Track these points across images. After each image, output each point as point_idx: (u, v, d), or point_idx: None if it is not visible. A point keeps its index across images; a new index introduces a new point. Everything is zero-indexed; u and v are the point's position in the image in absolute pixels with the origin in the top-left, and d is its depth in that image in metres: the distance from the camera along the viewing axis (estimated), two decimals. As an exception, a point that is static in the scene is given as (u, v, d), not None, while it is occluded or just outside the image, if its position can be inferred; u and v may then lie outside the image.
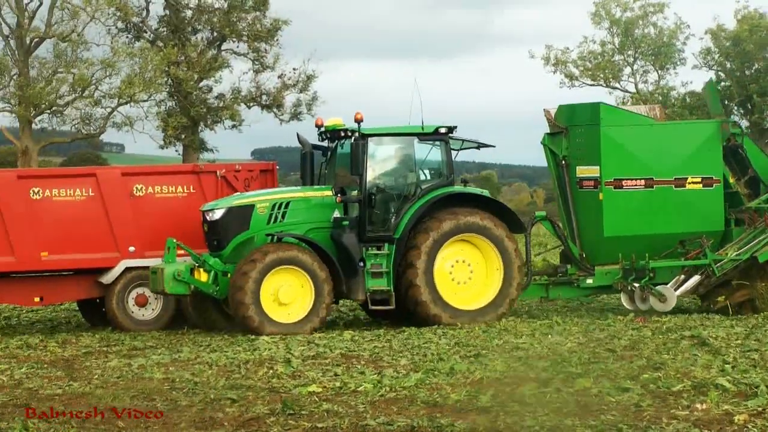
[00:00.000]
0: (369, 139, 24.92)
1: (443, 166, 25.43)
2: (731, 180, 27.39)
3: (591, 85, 73.83)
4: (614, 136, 26.85)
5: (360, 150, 24.42)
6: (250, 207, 24.77)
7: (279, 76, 62.27)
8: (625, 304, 26.34)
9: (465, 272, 25.06)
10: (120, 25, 60.84)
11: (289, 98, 62.19)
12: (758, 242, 26.29)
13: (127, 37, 61.37)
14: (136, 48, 60.25)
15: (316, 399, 15.65)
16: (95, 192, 25.83)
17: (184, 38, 60.39)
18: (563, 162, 27.35)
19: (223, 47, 61.88)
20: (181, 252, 24.39)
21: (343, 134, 25.16)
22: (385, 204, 25.14)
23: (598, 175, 26.51)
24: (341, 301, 26.73)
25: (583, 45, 73.74)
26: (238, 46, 62.36)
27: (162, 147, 61.52)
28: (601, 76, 73.35)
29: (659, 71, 73.88)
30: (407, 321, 24.78)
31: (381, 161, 25.51)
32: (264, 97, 62.14)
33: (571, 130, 27.41)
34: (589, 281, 26.58)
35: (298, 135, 26.42)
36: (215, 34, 61.18)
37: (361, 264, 24.54)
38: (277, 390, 16.54)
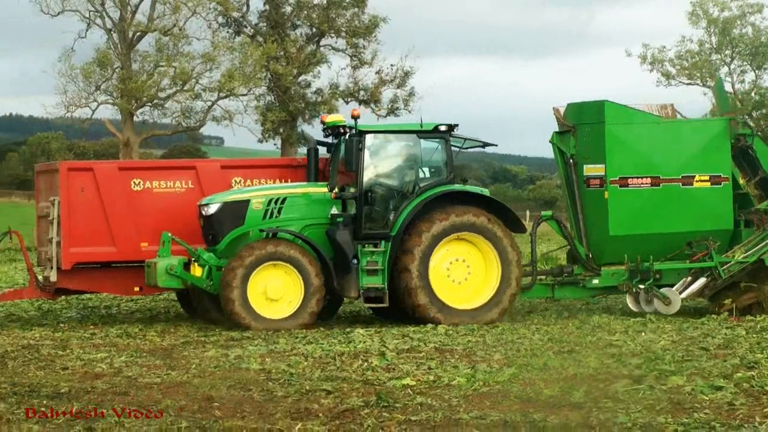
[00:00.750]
0: (367, 135, 24.65)
1: (443, 165, 25.07)
2: (741, 181, 26.84)
3: (687, 84, 73.33)
4: (619, 134, 26.42)
5: (355, 146, 24.20)
6: (246, 202, 24.68)
7: (376, 72, 62.47)
8: (630, 305, 25.90)
9: (463, 271, 24.69)
10: (221, 19, 61.29)
11: (386, 94, 62.35)
12: (766, 245, 25.88)
13: (227, 31, 61.83)
14: (237, 43, 60.64)
15: (410, 392, 15.66)
16: (195, 184, 26.01)
17: (284, 34, 60.65)
18: (571, 161, 26.89)
19: (321, 43, 62.12)
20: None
21: (342, 131, 24.88)
22: (382, 201, 24.81)
23: (604, 173, 26.08)
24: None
25: (680, 44, 73.28)
26: (336, 42, 62.62)
27: (260, 141, 61.86)
28: (698, 75, 72.80)
29: (756, 71, 73.24)
30: (407, 320, 24.51)
31: (379, 158, 25.12)
32: (361, 93, 62.32)
33: (579, 129, 26.97)
34: (596, 282, 26.14)
35: (303, 132, 26.45)
36: (314, 30, 61.41)
37: (355, 261, 24.25)
38: (371, 382, 16.56)
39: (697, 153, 26.50)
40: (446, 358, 19.15)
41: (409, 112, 61.22)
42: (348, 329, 23.48)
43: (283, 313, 23.77)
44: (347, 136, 24.44)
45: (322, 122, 26.05)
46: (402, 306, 24.58)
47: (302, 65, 60.49)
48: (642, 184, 26.11)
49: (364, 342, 21.37)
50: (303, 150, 59.95)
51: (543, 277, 26.80)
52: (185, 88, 60.08)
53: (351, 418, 13.89)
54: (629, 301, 25.90)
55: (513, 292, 24.71)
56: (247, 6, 62.07)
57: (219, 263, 24.04)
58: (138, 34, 59.99)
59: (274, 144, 61.90)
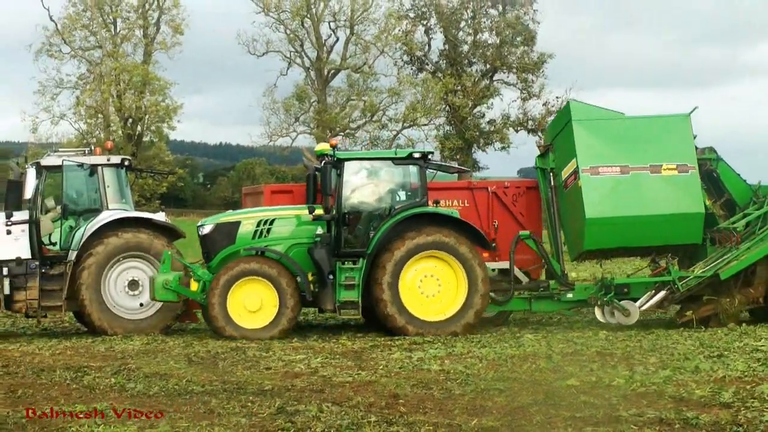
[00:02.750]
0: (345, 162, 24.18)
1: (417, 189, 24.42)
2: (708, 202, 25.74)
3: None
4: (586, 128, 25.49)
5: (329, 172, 23.66)
6: (237, 223, 24.47)
7: (543, 104, 62.12)
8: (598, 317, 25.03)
9: (434, 286, 23.98)
10: (405, 58, 61.57)
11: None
12: (722, 260, 24.90)
13: (411, 68, 62.07)
14: (419, 78, 60.87)
15: (574, 391, 15.55)
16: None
17: (461, 70, 60.70)
18: (551, 173, 26.09)
19: (494, 78, 62.00)
20: None
21: (325, 158, 24.32)
22: (359, 222, 24.28)
23: (576, 166, 25.08)
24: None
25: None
26: (508, 77, 62.44)
27: (440, 166, 61.87)
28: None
29: None
30: (382, 330, 24.13)
31: (356, 183, 24.45)
32: (530, 122, 62.01)
33: (554, 142, 26.18)
34: (570, 296, 25.29)
35: (303, 159, 26.11)
36: (488, 66, 61.33)
37: (331, 277, 23.79)
38: (539, 382, 16.47)
39: (662, 145, 25.51)
40: (607, 361, 18.96)
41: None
42: (518, 334, 23.41)
43: (259, 324, 23.44)
44: (323, 163, 24.04)
45: (315, 151, 25.80)
46: (375, 317, 24.29)
47: (477, 98, 60.49)
48: (612, 172, 25.08)
49: (532, 346, 21.27)
50: (477, 174, 60.16)
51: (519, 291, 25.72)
52: (373, 119, 60.52)
53: (521, 414, 13.84)
54: (597, 313, 25.10)
55: (479, 307, 23.97)
56: (429, 46, 62.35)
57: (212, 278, 23.79)
58: (332, 71, 60.59)
59: (452, 169, 61.93)
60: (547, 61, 61.72)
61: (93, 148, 27.45)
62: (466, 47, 62.04)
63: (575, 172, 25.17)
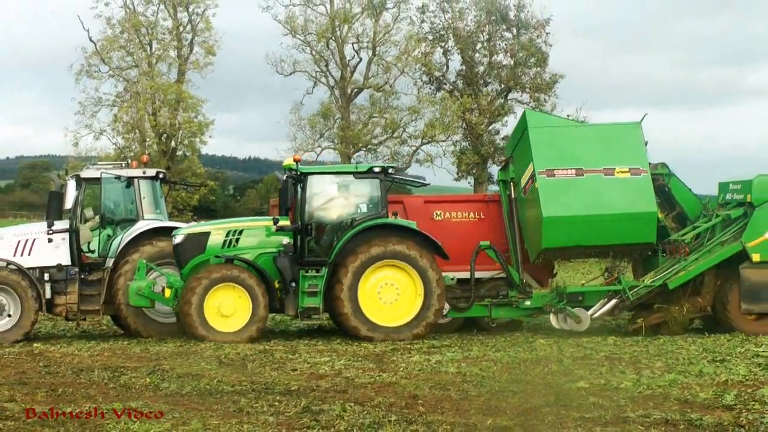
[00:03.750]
0: (308, 176, 24.12)
1: (377, 201, 24.34)
2: (660, 215, 25.47)
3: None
4: (542, 134, 25.20)
5: (290, 185, 23.72)
6: (207, 234, 24.37)
7: (555, 122, 61.90)
8: (553, 323, 24.84)
9: (392, 293, 23.85)
10: (424, 78, 61.47)
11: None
12: (671, 270, 24.78)
13: (430, 88, 61.97)
14: (437, 97, 60.80)
15: (584, 393, 15.53)
16: (402, 216, 26.10)
17: (477, 89, 60.62)
18: (512, 183, 25.86)
19: (509, 97, 61.83)
20: None
21: (289, 173, 24.24)
22: (322, 233, 24.20)
23: (533, 170, 24.76)
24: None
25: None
26: (521, 96, 62.22)
27: (456, 179, 61.77)
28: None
29: None
30: (342, 334, 24.13)
31: (318, 196, 24.35)
32: (542, 139, 61.78)
33: (514, 153, 26.03)
34: (528, 303, 24.99)
35: (276, 173, 25.98)
36: (503, 86, 61.21)
37: (293, 284, 23.72)
38: (551, 385, 16.44)
39: (615, 150, 25.16)
40: (615, 364, 18.93)
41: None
42: (531, 339, 23.38)
43: (233, 328, 23.26)
44: (285, 177, 24.00)
45: (282, 165, 25.64)
46: (330, 313, 24.34)
47: (492, 116, 60.35)
48: (567, 174, 24.76)
49: (544, 350, 21.25)
50: (492, 188, 60.13)
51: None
52: (394, 136, 60.44)
53: (534, 415, 13.83)
54: (551, 320, 24.91)
55: (435, 309, 23.84)
56: (447, 66, 62.23)
57: (183, 285, 23.69)
58: (355, 90, 60.58)
59: (468, 182, 61.83)
60: (559, 81, 61.58)
61: (129, 161, 27.54)
62: (482, 68, 61.96)
63: (532, 176, 24.85)
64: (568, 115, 58.16)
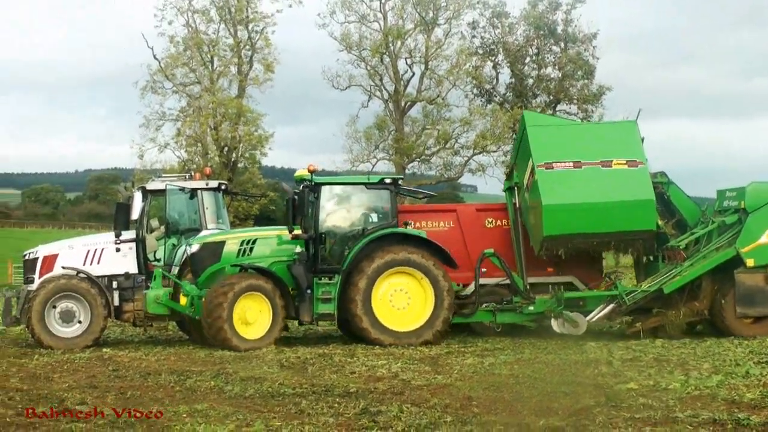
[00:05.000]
0: (322, 187, 24.07)
1: (388, 211, 24.31)
2: (660, 222, 25.24)
3: None
4: (540, 132, 25.10)
5: (307, 196, 23.70)
6: (222, 243, 24.28)
7: (602, 132, 61.63)
8: (554, 327, 24.40)
9: (404, 299, 23.73)
10: (475, 90, 61.52)
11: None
12: (668, 275, 24.50)
13: (480, 100, 61.99)
14: (488, 109, 60.76)
15: (634, 394, 15.44)
16: (455, 224, 26.11)
17: (526, 101, 60.52)
18: (516, 188, 25.67)
19: (557, 108, 61.66)
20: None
21: (304, 183, 24.16)
22: (335, 242, 24.10)
23: (533, 165, 24.55)
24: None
25: None
26: (569, 108, 62.09)
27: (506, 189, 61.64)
28: None
29: None
30: (358, 340, 23.86)
31: (332, 206, 24.34)
32: (590, 148, 61.51)
33: (517, 160, 25.86)
34: (531, 308, 24.74)
35: (282, 184, 25.83)
36: (551, 97, 61.12)
37: (309, 291, 23.61)
38: (601, 386, 16.35)
39: (612, 145, 25.00)
40: (663, 366, 18.81)
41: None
42: (581, 342, 23.26)
43: (255, 335, 23.10)
44: (301, 187, 23.95)
45: (294, 176, 25.58)
46: (351, 329, 24.10)
47: (541, 126, 60.24)
48: (565, 166, 24.56)
49: (594, 352, 21.15)
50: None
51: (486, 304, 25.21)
52: (446, 147, 60.44)
53: (585, 415, 13.76)
54: (553, 324, 24.52)
55: (445, 316, 23.73)
56: (497, 79, 62.27)
57: (200, 293, 23.54)
58: (409, 103, 60.62)
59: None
60: (606, 93, 61.41)
61: (193, 173, 27.70)
62: (531, 81, 61.93)
63: (532, 171, 24.72)
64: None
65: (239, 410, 14.40)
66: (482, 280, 25.08)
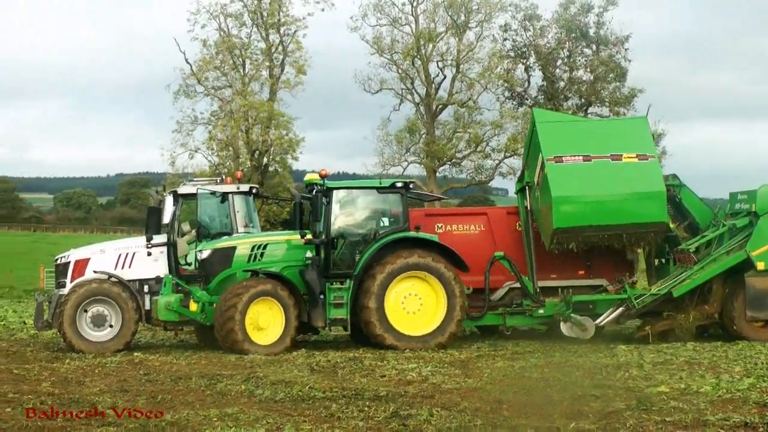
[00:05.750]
0: (333, 191, 23.99)
1: (399, 215, 24.22)
2: (671, 225, 25.10)
3: None
4: (550, 127, 25.03)
5: (319, 200, 23.56)
6: (233, 248, 24.24)
7: (635, 134, 61.45)
8: (564, 331, 24.35)
9: (416, 303, 23.65)
10: (506, 93, 61.53)
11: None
12: (677, 279, 24.35)
13: (512, 103, 62.00)
14: (519, 112, 60.75)
15: (665, 397, 15.42)
16: (486, 227, 26.09)
17: (558, 104, 60.46)
18: (528, 187, 25.56)
19: (589, 111, 61.59)
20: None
21: (315, 187, 24.09)
22: (347, 246, 24.04)
23: (543, 160, 24.44)
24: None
25: None
26: (601, 110, 61.98)
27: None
28: None
29: None
30: (370, 343, 23.74)
31: (343, 210, 24.25)
32: (622, 151, 61.34)
33: (528, 159, 25.78)
34: (541, 311, 24.71)
35: (290, 189, 25.78)
36: (583, 100, 61.05)
37: (322, 296, 23.54)
38: (632, 389, 16.34)
39: (622, 140, 24.88)
40: (694, 369, 18.77)
41: (662, 167, 59.82)
42: (611, 345, 23.22)
43: (268, 340, 23.03)
44: (314, 192, 23.87)
45: (304, 180, 25.58)
46: (364, 334, 23.95)
47: (573, 129, 60.13)
48: (575, 160, 24.43)
49: (625, 356, 21.11)
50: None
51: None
52: (477, 150, 60.51)
53: (616, 418, 13.75)
54: (562, 328, 24.46)
55: (458, 319, 23.63)
56: (528, 82, 62.26)
57: (211, 299, 23.52)
58: (440, 106, 60.71)
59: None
60: (638, 95, 61.28)
61: (224, 177, 27.80)
62: (562, 83, 61.88)
63: (542, 166, 24.66)
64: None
65: (269, 414, 14.46)
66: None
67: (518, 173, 26.97)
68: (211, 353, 23.05)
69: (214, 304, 23.42)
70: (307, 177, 25.34)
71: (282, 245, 24.52)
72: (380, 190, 24.45)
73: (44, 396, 16.26)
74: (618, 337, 25.39)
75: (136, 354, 23.02)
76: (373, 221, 24.49)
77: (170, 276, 24.04)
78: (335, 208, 24.12)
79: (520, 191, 26.13)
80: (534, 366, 19.62)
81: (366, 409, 14.76)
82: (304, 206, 24.63)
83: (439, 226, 25.74)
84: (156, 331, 28.36)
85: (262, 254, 24.32)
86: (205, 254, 24.33)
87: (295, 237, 24.29)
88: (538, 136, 25.00)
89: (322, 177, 24.17)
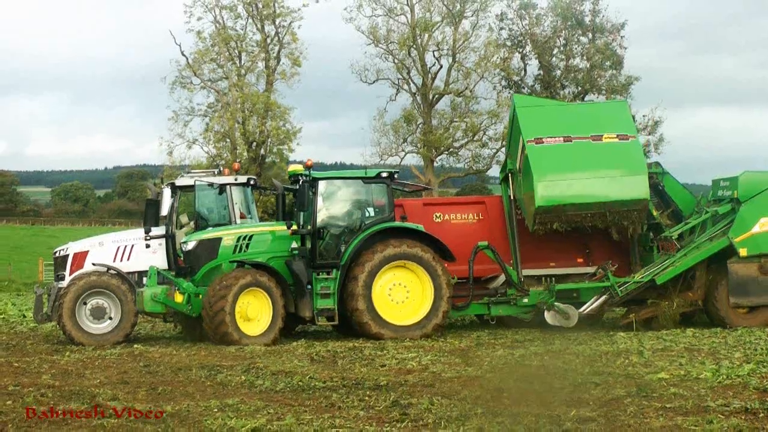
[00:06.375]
0: (319, 182, 23.96)
1: (385, 205, 24.23)
2: (655, 212, 25.23)
3: None
4: (530, 111, 25.13)
5: (307, 191, 23.63)
6: (218, 239, 24.12)
7: (631, 121, 61.42)
8: (547, 320, 24.44)
9: (402, 293, 23.72)
10: (503, 82, 61.37)
11: (640, 139, 61.12)
12: (661, 266, 24.39)
13: (508, 92, 61.84)
14: (516, 101, 60.64)
15: (665, 384, 15.41)
16: (484, 216, 26.10)
17: (555, 92, 60.32)
18: (510, 176, 25.65)
19: (585, 99, 61.49)
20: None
21: (300, 178, 24.10)
22: (333, 236, 24.04)
23: (523, 143, 24.46)
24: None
25: None
26: (597, 98, 61.83)
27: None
28: None
29: None
30: (356, 334, 23.73)
31: (329, 200, 24.18)
32: (618, 139, 61.29)
33: (510, 147, 25.85)
34: (525, 300, 24.80)
35: (272, 180, 25.75)
36: (579, 88, 60.87)
37: (309, 287, 23.54)
38: (632, 376, 16.34)
39: (602, 121, 24.93)
40: (694, 356, 18.77)
41: (659, 154, 59.76)
42: (611, 333, 23.23)
43: (257, 331, 23.00)
44: (301, 182, 23.86)
45: (287, 171, 25.41)
46: (350, 323, 23.90)
47: (570, 117, 60.06)
48: (555, 141, 24.47)
49: (625, 343, 21.12)
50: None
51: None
52: (475, 139, 60.40)
53: (616, 406, 13.74)
54: (546, 316, 24.51)
55: (444, 309, 23.70)
56: (525, 71, 62.04)
57: (197, 291, 23.41)
58: (437, 96, 60.60)
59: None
60: (634, 83, 61.13)
61: (222, 169, 27.78)
62: (559, 72, 61.71)
63: (523, 149, 24.66)
64: (644, 115, 57.89)
65: (270, 404, 14.45)
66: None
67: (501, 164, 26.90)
68: (211, 344, 23.04)
69: (200, 295, 23.34)
70: (291, 168, 25.41)
71: (267, 236, 24.42)
72: (365, 180, 24.42)
73: (44, 388, 16.24)
74: (617, 325, 25.39)
75: (135, 346, 23.03)
76: (358, 211, 24.47)
77: (155, 267, 23.94)
78: (321, 198, 24.08)
79: (504, 180, 26.17)
80: (534, 354, 19.62)
81: (366, 398, 14.77)
82: (287, 197, 24.65)
83: (437, 215, 25.73)
84: (155, 323, 28.38)
85: (247, 245, 24.22)
86: (191, 245, 24.22)
87: (279, 228, 24.28)
88: (519, 120, 25.04)
89: (308, 167, 24.17)
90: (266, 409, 14.02)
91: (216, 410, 14.00)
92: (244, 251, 24.15)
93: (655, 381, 15.74)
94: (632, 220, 24.92)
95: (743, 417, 12.82)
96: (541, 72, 61.37)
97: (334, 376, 17.06)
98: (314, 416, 13.41)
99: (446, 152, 60.88)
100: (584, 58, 61.32)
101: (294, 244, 24.04)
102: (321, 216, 24.05)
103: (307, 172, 24.06)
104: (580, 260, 25.72)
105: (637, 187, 24.40)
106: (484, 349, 20.87)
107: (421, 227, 24.40)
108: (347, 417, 13.38)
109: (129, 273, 24.75)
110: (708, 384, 15.38)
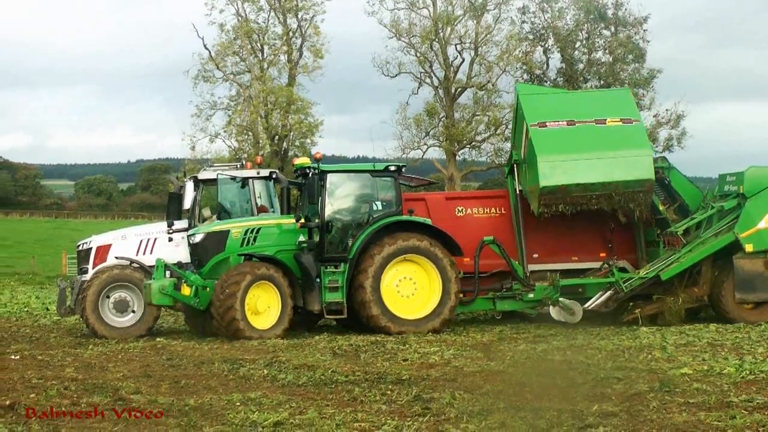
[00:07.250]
0: (327, 175, 23.90)
1: (393, 198, 24.21)
2: (661, 207, 25.14)
3: None
4: (533, 99, 25.15)
5: (315, 183, 23.55)
6: (226, 232, 24.00)
7: (654, 116, 61.20)
8: (552, 315, 24.41)
9: (410, 287, 23.70)
10: (525, 76, 61.21)
11: (662, 133, 60.86)
12: (665, 262, 24.25)
13: (531, 85, 61.73)
14: (538, 94, 60.46)
15: (688, 379, 15.36)
16: (506, 210, 26.07)
17: (577, 86, 60.18)
18: (516, 167, 25.52)
19: (606, 92, 61.37)
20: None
21: (308, 171, 24.06)
22: (341, 230, 23.99)
23: (527, 128, 24.36)
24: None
25: None
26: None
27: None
28: None
29: None
30: (363, 329, 23.68)
31: (338, 194, 24.16)
32: (642, 131, 61.10)
33: (515, 139, 25.75)
34: (531, 295, 24.72)
35: (276, 174, 25.72)
36: (602, 81, 60.72)
37: (318, 280, 23.48)
38: (655, 371, 16.29)
39: (606, 106, 24.90)
40: (717, 351, 18.71)
41: (682, 148, 59.57)
42: (634, 327, 23.18)
43: (266, 324, 22.99)
44: (310, 176, 23.79)
45: (293, 165, 25.48)
46: (358, 317, 23.82)
47: (594, 111, 59.91)
48: (559, 125, 24.44)
49: (648, 338, 21.06)
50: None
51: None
52: (497, 132, 60.28)
53: (639, 401, 13.70)
54: (551, 312, 24.49)
55: (452, 304, 23.68)
56: (547, 65, 61.88)
57: (204, 283, 23.35)
58: (459, 89, 60.49)
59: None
60: (657, 76, 60.92)
61: (244, 162, 27.81)
62: (581, 65, 61.54)
63: (526, 134, 24.58)
64: (667, 109, 57.67)
65: (292, 398, 14.47)
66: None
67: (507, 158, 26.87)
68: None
69: (208, 288, 23.35)
70: (298, 161, 25.42)
71: (274, 229, 24.37)
72: (373, 173, 24.42)
73: (68, 381, 16.29)
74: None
75: (158, 339, 23.09)
76: (366, 205, 24.48)
77: (161, 260, 23.94)
78: (329, 191, 24.09)
79: (510, 173, 26.10)
80: (556, 349, 19.58)
81: (389, 392, 14.76)
82: (291, 191, 24.76)
83: (460, 209, 25.71)
84: (178, 317, 28.43)
85: (255, 238, 24.16)
86: (198, 238, 24.20)
87: (287, 221, 24.28)
88: (522, 107, 25.03)
89: (317, 160, 24.16)
90: (288, 403, 14.03)
91: (238, 404, 14.02)
92: (252, 244, 24.11)
93: (678, 376, 15.69)
94: (638, 202, 24.79)
95: (767, 412, 12.77)
96: (564, 65, 61.22)
97: (356, 370, 17.05)
98: (336, 410, 13.42)
99: (468, 146, 60.81)
100: (607, 51, 61.15)
101: (301, 238, 24.05)
102: (329, 209, 24.06)
103: (315, 165, 24.05)
104: (603, 254, 25.67)
105: (642, 168, 24.34)
106: (506, 344, 20.84)
107: (428, 221, 24.42)
108: (369, 411, 13.38)
109: (152, 266, 24.78)
110: (731, 379, 15.32)
